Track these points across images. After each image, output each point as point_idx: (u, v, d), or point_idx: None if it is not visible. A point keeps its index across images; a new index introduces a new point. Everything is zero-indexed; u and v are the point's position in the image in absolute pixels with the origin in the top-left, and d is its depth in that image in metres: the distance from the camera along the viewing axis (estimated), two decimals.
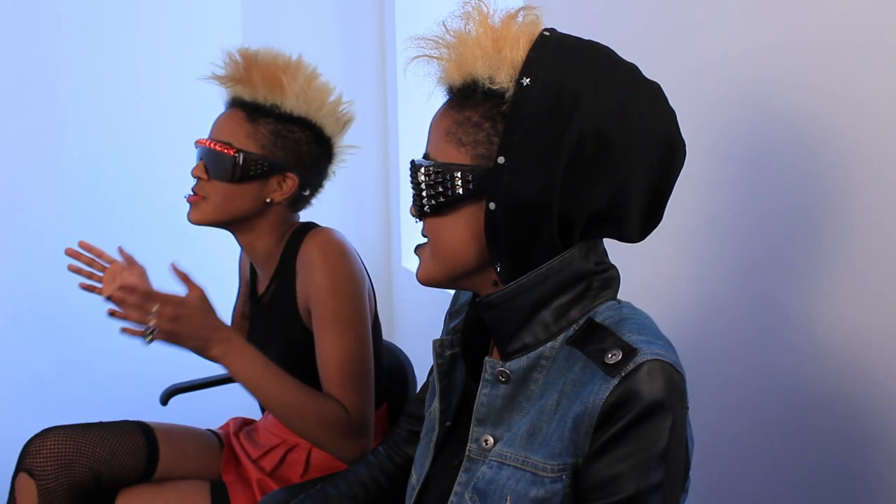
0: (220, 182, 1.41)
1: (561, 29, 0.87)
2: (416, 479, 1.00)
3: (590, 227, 0.85)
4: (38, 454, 1.44)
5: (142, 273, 1.44)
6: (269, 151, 1.43)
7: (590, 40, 0.86)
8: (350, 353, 1.36)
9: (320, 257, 1.38)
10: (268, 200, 1.44)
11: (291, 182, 1.45)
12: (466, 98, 0.86)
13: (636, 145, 0.82)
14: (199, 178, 1.44)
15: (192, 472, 1.54)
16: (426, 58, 0.88)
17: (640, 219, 0.87)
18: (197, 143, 1.46)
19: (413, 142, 2.69)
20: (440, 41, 0.87)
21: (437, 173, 0.86)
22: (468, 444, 0.89)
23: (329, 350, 1.36)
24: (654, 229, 0.90)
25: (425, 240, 0.92)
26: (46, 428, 1.48)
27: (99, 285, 1.48)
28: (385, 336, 1.66)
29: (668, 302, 1.49)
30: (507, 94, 0.82)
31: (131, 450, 1.50)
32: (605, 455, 0.78)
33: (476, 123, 0.85)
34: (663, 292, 1.50)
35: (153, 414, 1.66)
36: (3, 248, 2.11)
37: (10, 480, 1.45)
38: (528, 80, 0.81)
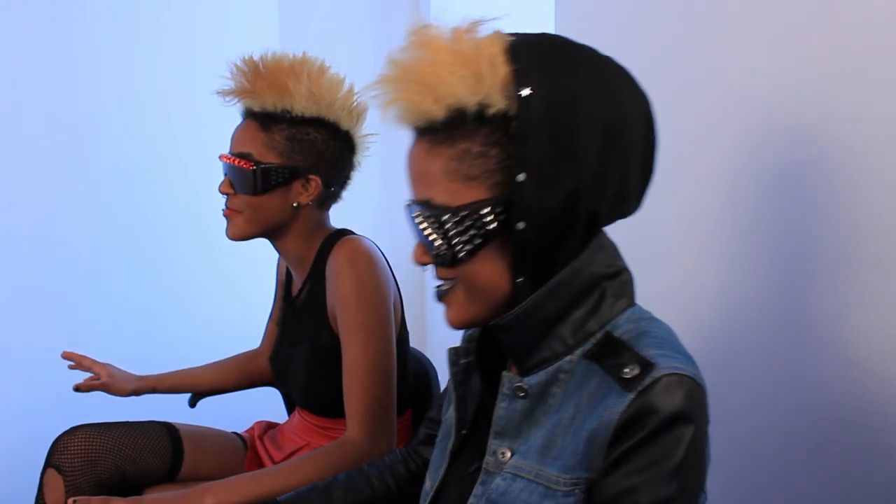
0: (246, 195, 1.42)
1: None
2: (429, 485, 0.99)
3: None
4: (65, 450, 1.47)
5: None
6: (288, 157, 1.43)
7: (542, 33, 0.83)
8: (372, 362, 1.36)
9: (347, 265, 1.38)
10: (295, 204, 1.45)
11: (315, 183, 1.45)
12: (453, 129, 0.81)
13: (633, 126, 0.83)
14: (226, 194, 1.45)
15: (216, 473, 1.54)
16: (397, 101, 0.81)
17: (637, 190, 0.88)
18: (220, 157, 1.47)
19: None
20: (402, 79, 0.81)
21: (463, 217, 0.81)
22: (486, 457, 0.88)
23: (353, 358, 1.37)
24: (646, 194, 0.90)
25: (449, 283, 0.87)
26: (75, 426, 1.51)
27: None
28: (417, 343, 1.65)
29: (696, 314, 1.46)
30: (510, 112, 0.78)
31: (156, 449, 1.52)
32: (620, 468, 0.77)
33: (479, 154, 0.81)
34: (691, 304, 1.48)
35: (181, 416, 1.68)
36: (37, 251, 2.15)
37: (38, 476, 1.48)
38: (526, 90, 0.77)
